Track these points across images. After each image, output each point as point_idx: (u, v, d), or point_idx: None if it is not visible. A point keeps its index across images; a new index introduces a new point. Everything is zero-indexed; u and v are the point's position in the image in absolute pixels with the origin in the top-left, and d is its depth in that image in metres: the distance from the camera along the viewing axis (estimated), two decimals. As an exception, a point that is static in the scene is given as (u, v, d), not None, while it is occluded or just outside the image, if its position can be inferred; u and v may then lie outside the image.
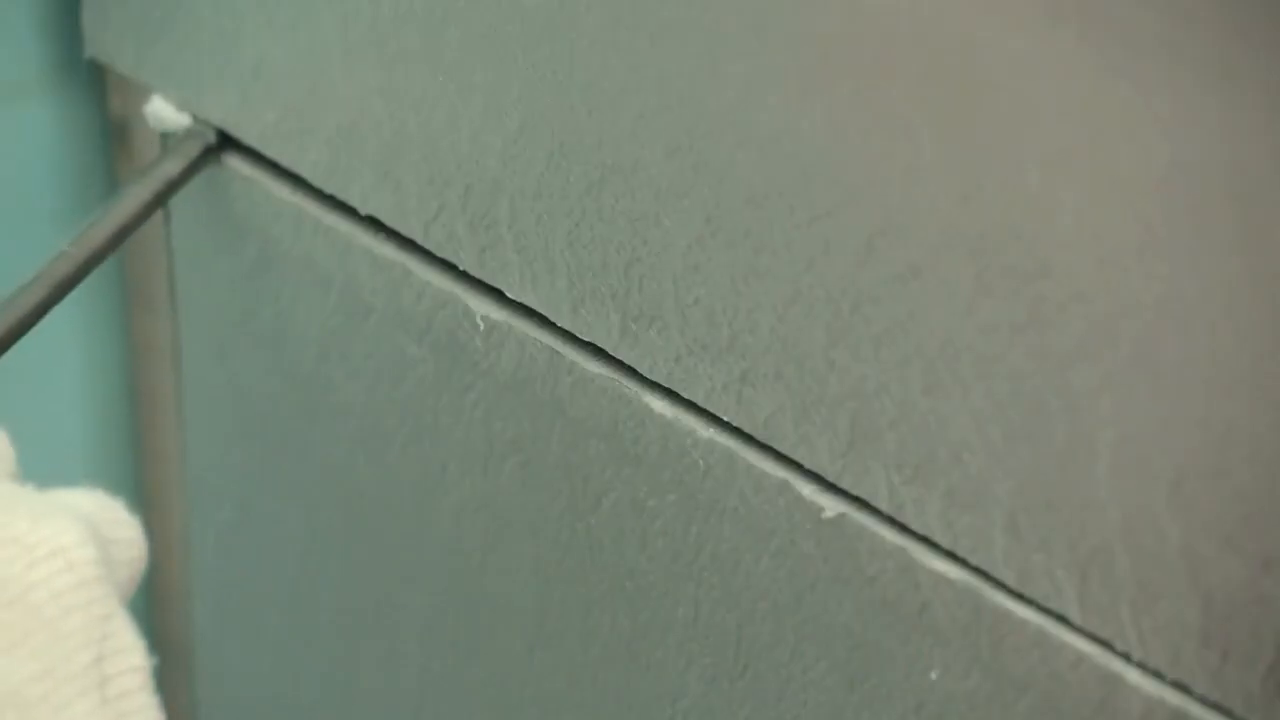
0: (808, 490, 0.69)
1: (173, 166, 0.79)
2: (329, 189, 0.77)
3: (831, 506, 0.69)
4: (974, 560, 0.65)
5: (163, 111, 0.80)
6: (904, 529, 0.67)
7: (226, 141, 0.80)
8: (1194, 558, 0.59)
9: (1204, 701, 0.61)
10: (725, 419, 0.70)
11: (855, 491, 0.68)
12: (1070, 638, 0.64)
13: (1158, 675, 0.62)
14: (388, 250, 0.78)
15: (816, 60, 0.62)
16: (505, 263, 0.74)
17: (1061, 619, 0.64)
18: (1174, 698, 0.62)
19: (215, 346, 0.90)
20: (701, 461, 0.72)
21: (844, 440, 0.67)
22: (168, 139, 0.81)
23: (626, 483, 0.75)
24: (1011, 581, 0.64)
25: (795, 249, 0.65)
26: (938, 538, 0.66)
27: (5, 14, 0.89)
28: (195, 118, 0.80)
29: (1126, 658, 0.63)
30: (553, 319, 0.74)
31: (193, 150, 0.80)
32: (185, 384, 0.93)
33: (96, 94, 0.94)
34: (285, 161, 0.78)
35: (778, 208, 0.65)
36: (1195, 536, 0.59)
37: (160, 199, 0.78)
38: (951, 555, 0.66)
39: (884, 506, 0.67)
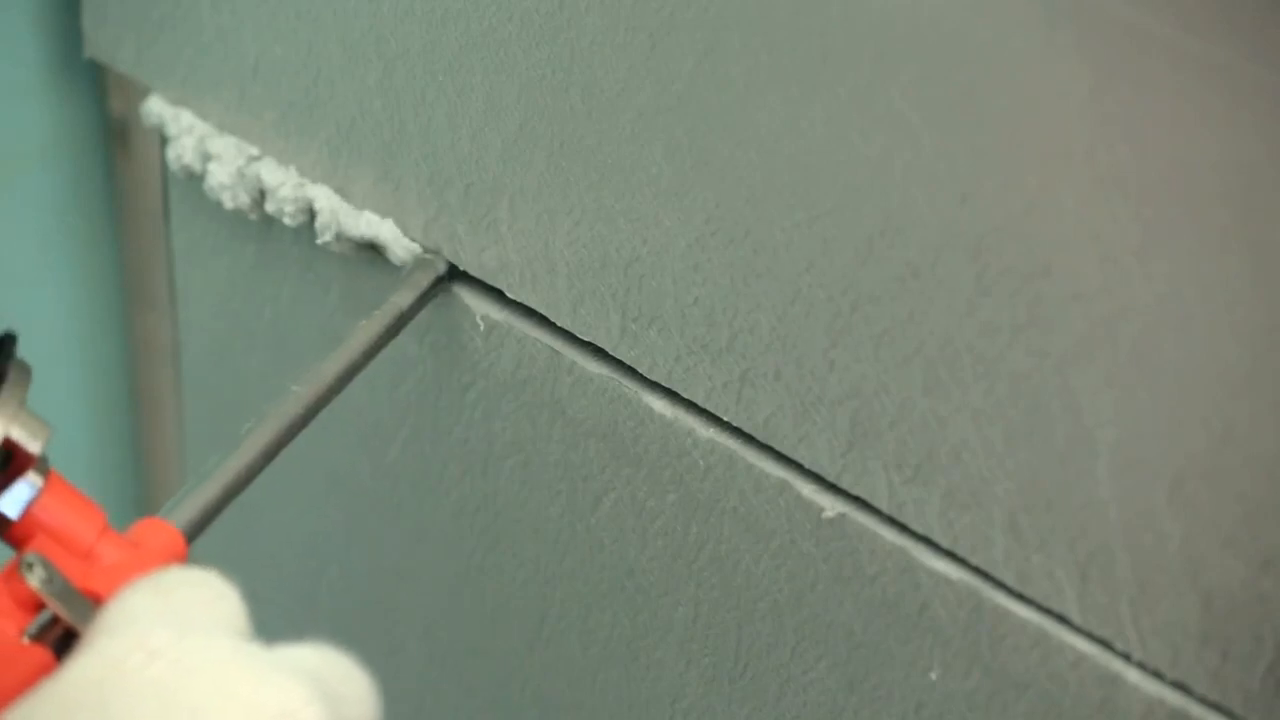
0: (808, 490, 0.69)
1: (404, 299, 0.74)
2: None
3: (831, 506, 0.69)
4: (974, 560, 0.65)
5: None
6: (904, 529, 0.67)
7: (456, 271, 0.76)
8: (1194, 558, 0.59)
9: (1204, 701, 0.61)
10: (725, 419, 0.70)
11: (855, 491, 0.68)
12: (1070, 638, 0.64)
13: (1158, 675, 0.62)
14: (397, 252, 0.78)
15: (816, 60, 0.62)
16: (505, 263, 0.74)
17: (1061, 619, 0.64)
18: (1174, 698, 0.62)
19: (215, 346, 0.90)
20: (701, 461, 0.72)
21: (844, 440, 0.67)
22: (400, 269, 0.76)
23: (626, 483, 0.75)
24: (1011, 581, 0.65)
25: (795, 249, 0.65)
26: (938, 538, 0.66)
27: (5, 14, 0.89)
28: (425, 248, 0.76)
29: (1126, 658, 0.63)
30: (553, 319, 0.74)
31: (424, 281, 0.75)
32: (185, 384, 0.93)
33: (96, 94, 0.94)
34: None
35: (778, 208, 0.65)
36: (1195, 536, 0.59)
37: (391, 332, 0.73)
38: (951, 555, 0.66)
39: (884, 506, 0.67)
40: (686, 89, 0.65)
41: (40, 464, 0.56)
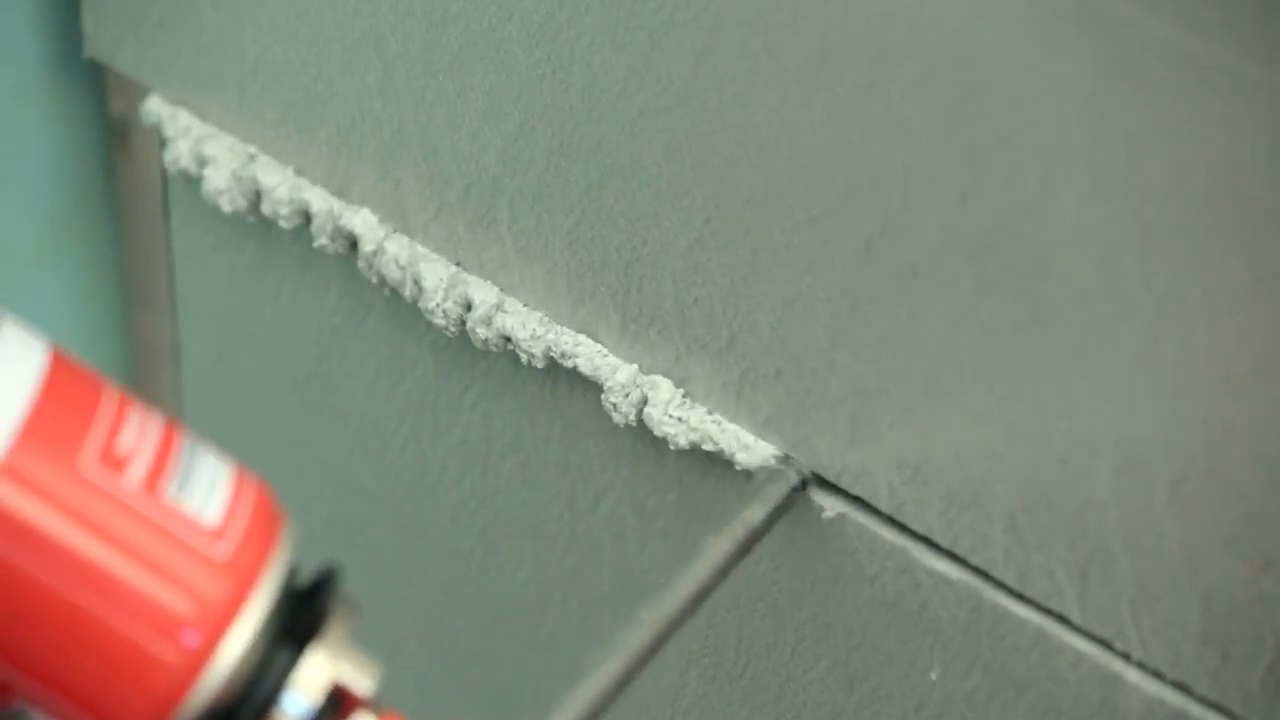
0: (807, 490, 0.69)
1: (756, 513, 0.67)
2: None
3: (831, 506, 0.69)
4: (974, 560, 0.65)
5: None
6: (904, 529, 0.67)
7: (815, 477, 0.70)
8: (1194, 558, 0.59)
9: (1204, 701, 0.61)
10: (725, 419, 0.70)
11: (855, 491, 0.68)
12: (1070, 638, 0.64)
13: (1158, 675, 0.62)
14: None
15: (816, 60, 0.62)
16: (505, 262, 0.74)
17: (1061, 619, 0.64)
18: (1174, 698, 0.62)
19: (215, 346, 0.90)
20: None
21: (844, 440, 0.67)
22: (750, 477, 0.70)
23: (626, 483, 0.75)
24: (1011, 581, 0.65)
25: (795, 249, 0.65)
26: (938, 538, 0.66)
27: (5, 14, 0.89)
28: (780, 457, 0.69)
29: (1126, 658, 0.63)
30: (552, 318, 0.73)
31: (777, 493, 0.68)
32: (185, 384, 0.93)
33: (96, 94, 0.94)
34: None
35: (778, 208, 0.65)
36: (1195, 536, 0.59)
37: (743, 549, 0.67)
38: (951, 555, 0.66)
39: (884, 506, 0.67)
40: (686, 89, 0.65)
41: (374, 705, 0.53)
